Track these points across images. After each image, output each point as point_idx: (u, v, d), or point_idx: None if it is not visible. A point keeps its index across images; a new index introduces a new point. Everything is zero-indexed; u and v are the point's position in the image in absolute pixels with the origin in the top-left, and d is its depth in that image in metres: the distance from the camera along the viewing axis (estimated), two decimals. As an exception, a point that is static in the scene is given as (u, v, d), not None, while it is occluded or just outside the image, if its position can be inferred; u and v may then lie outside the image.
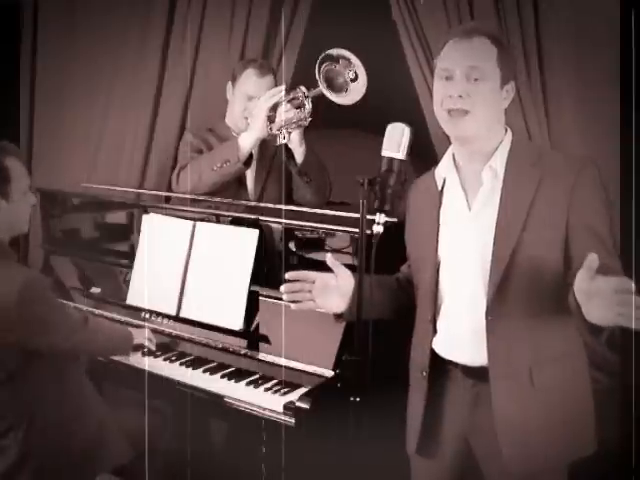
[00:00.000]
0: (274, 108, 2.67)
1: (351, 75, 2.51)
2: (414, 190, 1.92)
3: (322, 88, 2.48)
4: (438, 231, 1.76)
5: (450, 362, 1.78)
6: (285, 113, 2.65)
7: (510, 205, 1.67)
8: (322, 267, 2.34)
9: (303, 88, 2.62)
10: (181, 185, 2.79)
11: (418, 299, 1.84)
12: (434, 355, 1.79)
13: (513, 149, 1.71)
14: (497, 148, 1.71)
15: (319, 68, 2.47)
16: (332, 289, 1.78)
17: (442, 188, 1.79)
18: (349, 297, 1.79)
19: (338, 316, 1.84)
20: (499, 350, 1.69)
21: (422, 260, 1.81)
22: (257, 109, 2.67)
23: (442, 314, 1.78)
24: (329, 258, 1.78)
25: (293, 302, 1.81)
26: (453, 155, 1.78)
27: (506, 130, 1.75)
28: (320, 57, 2.49)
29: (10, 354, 2.07)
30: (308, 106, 2.61)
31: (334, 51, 2.50)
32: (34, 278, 2.10)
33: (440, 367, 1.79)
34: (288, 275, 1.79)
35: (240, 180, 2.82)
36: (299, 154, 2.71)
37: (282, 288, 1.79)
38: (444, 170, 1.79)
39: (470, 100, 1.65)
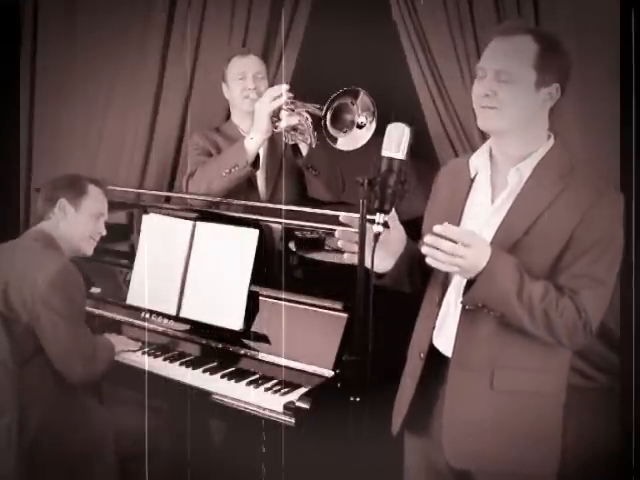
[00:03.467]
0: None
1: (360, 120, 2.35)
2: (445, 173, 1.91)
3: (324, 117, 2.34)
4: (461, 218, 1.75)
5: (440, 352, 1.77)
6: (288, 118, 2.61)
7: (522, 208, 1.66)
8: (323, 266, 2.36)
9: (305, 114, 2.56)
10: (191, 192, 2.76)
11: (430, 281, 1.83)
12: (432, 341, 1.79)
13: (547, 157, 1.69)
14: (532, 153, 1.70)
15: (337, 96, 2.34)
16: (381, 244, 1.62)
17: (474, 177, 1.78)
18: (397, 256, 1.74)
19: (380, 276, 1.74)
20: (466, 341, 1.69)
21: None
22: (259, 110, 2.62)
23: (444, 301, 1.78)
24: (393, 211, 1.63)
25: (344, 251, 1.70)
26: (490, 149, 1.77)
27: (549, 137, 1.73)
28: (349, 88, 2.35)
29: (24, 336, 2.13)
30: (312, 138, 2.57)
31: (366, 94, 2.34)
32: (72, 272, 2.22)
33: (435, 353, 1.78)
34: (341, 217, 1.70)
35: (250, 181, 2.78)
36: (304, 147, 2.70)
37: (337, 233, 1.69)
38: (479, 160, 1.78)
39: (497, 98, 1.64)
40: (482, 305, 1.62)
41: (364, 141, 2.36)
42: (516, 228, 1.65)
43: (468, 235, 1.56)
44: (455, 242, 1.54)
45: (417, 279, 1.84)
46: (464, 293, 1.63)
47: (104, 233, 2.42)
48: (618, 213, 1.66)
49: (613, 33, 2.43)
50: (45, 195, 2.37)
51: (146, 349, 2.48)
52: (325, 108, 2.33)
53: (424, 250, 1.56)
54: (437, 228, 1.54)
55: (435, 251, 1.54)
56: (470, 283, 1.60)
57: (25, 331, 2.14)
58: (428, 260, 1.57)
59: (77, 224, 2.34)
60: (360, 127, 2.35)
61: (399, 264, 1.76)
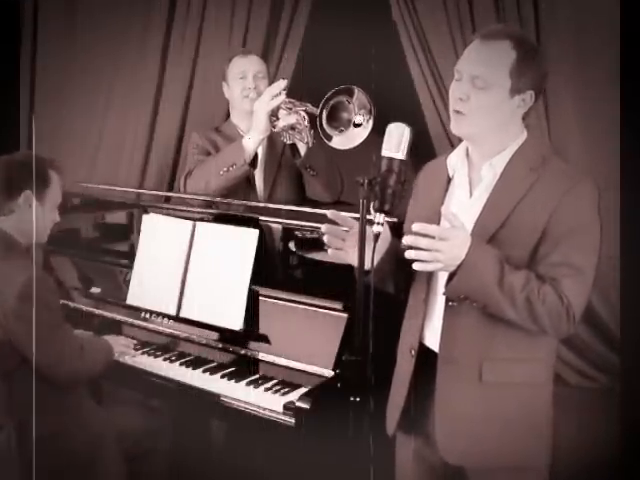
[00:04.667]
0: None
1: (358, 119, 2.31)
2: (425, 172, 1.93)
3: (320, 115, 2.32)
4: (441, 216, 1.74)
5: (430, 349, 1.77)
6: (287, 117, 2.61)
7: (496, 202, 1.68)
8: (323, 266, 2.36)
9: (303, 114, 2.55)
10: (189, 192, 2.76)
11: (415, 278, 1.83)
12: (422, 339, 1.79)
13: (519, 151, 1.71)
14: (506, 148, 1.71)
15: (332, 94, 2.31)
16: (368, 242, 1.59)
17: (452, 176, 1.80)
18: (381, 254, 1.74)
19: (366, 272, 1.72)
20: (452, 335, 1.70)
21: None
22: (257, 109, 2.62)
23: (430, 297, 1.78)
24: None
25: (329, 247, 1.71)
26: (467, 148, 1.79)
27: (523, 131, 1.74)
28: (343, 86, 2.32)
29: (4, 351, 2.06)
30: (309, 137, 2.57)
31: (361, 91, 2.30)
32: (39, 278, 2.08)
33: (425, 350, 1.79)
34: (329, 213, 1.70)
35: (249, 180, 2.78)
36: (302, 146, 2.69)
37: (323, 228, 1.70)
38: (456, 159, 1.79)
39: (469, 104, 1.66)
40: (464, 297, 1.63)
41: (360, 140, 2.34)
42: (492, 222, 1.67)
43: (444, 229, 1.58)
44: (433, 238, 1.56)
45: (401, 279, 1.85)
46: (446, 285, 1.63)
47: (58, 219, 2.26)
48: (592, 201, 1.66)
49: (613, 33, 2.43)
50: (2, 186, 2.13)
51: (146, 349, 2.47)
52: (320, 106, 2.31)
53: (408, 255, 1.57)
54: (415, 226, 1.56)
55: (419, 252, 1.55)
56: (452, 276, 1.60)
57: (5, 345, 2.05)
58: (415, 265, 1.58)
59: (41, 217, 2.16)
60: (357, 126, 2.34)
61: (384, 261, 1.75)
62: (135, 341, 2.50)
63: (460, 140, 1.79)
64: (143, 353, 2.45)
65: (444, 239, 1.55)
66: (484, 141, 1.72)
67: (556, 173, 1.68)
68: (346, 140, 2.34)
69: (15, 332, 2.05)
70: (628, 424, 2.34)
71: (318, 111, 2.32)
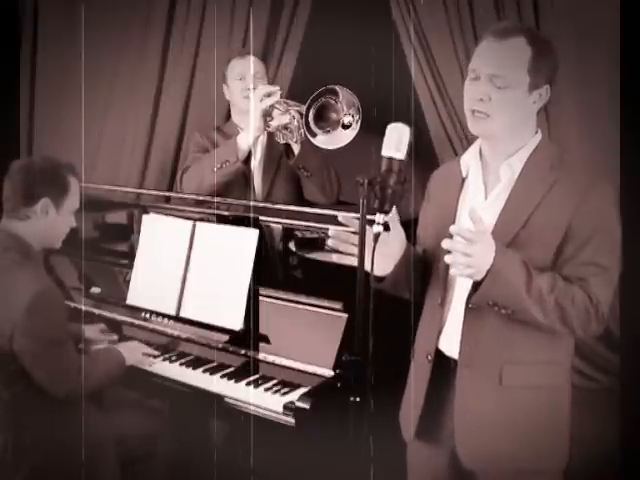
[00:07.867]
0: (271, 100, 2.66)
1: (346, 120, 2.32)
2: (437, 175, 1.92)
3: (308, 113, 2.33)
4: (455, 218, 1.76)
5: (445, 355, 1.77)
6: (280, 117, 2.63)
7: (517, 202, 1.67)
8: (322, 267, 2.37)
9: (294, 114, 2.56)
10: (185, 188, 2.79)
11: (430, 282, 1.82)
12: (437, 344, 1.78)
13: (536, 151, 1.71)
14: (521, 148, 1.71)
15: (318, 95, 2.32)
16: (381, 246, 1.58)
17: (466, 176, 1.79)
18: (396, 261, 1.72)
19: (379, 280, 1.73)
20: (472, 339, 1.69)
21: (438, 244, 1.75)
22: (252, 109, 2.64)
23: (447, 302, 1.77)
24: (394, 212, 1.61)
25: (335, 251, 1.69)
26: (480, 148, 1.78)
27: (537, 132, 1.74)
28: (327, 87, 2.33)
29: (7, 360, 2.05)
30: (299, 137, 2.58)
31: (346, 90, 2.31)
32: (49, 291, 2.07)
33: (440, 356, 1.77)
34: (340, 218, 1.67)
35: (247, 179, 2.81)
36: (296, 147, 2.70)
37: (330, 231, 1.68)
38: (470, 159, 1.79)
39: (491, 104, 1.65)
40: (493, 303, 1.61)
41: (346, 142, 2.35)
42: (513, 222, 1.66)
43: (476, 232, 1.54)
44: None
45: (417, 283, 1.83)
46: (472, 293, 1.62)
47: (74, 225, 2.24)
48: (612, 200, 1.67)
49: (613, 33, 2.43)
50: (20, 191, 2.11)
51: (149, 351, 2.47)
52: (306, 107, 2.33)
53: (447, 259, 1.54)
54: (453, 229, 1.54)
55: (456, 257, 1.53)
56: (476, 283, 1.59)
57: (7, 355, 2.04)
58: (451, 271, 1.57)
59: (57, 224, 2.16)
60: (346, 127, 2.34)
61: (399, 268, 1.74)
62: (156, 353, 2.42)
63: (462, 141, 1.80)
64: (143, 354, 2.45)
65: (475, 243, 1.53)
66: (501, 140, 1.71)
67: (574, 173, 1.68)
68: (330, 140, 2.36)
69: (19, 344, 2.02)
70: (628, 424, 2.34)
71: (305, 110, 2.33)
